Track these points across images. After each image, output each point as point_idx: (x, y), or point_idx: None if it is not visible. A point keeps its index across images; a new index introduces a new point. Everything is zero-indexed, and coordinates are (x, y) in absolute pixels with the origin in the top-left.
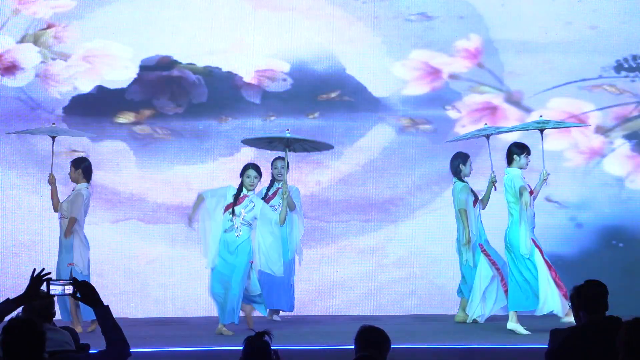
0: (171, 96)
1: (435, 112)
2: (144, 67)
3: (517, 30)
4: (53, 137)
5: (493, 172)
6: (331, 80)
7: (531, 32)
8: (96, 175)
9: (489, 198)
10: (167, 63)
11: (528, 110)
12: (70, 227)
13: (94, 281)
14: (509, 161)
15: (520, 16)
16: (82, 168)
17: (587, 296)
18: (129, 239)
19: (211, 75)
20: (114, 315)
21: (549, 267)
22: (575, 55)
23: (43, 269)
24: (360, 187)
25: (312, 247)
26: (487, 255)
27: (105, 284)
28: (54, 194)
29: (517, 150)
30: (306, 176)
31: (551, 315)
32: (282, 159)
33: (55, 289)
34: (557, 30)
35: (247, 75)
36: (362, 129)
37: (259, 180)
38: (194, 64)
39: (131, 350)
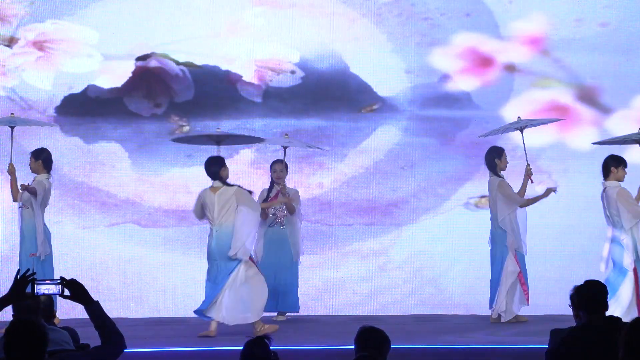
0: (147, 93)
1: (442, 112)
2: (111, 56)
3: (525, 28)
4: (12, 127)
5: (528, 164)
6: (334, 80)
7: (539, 30)
8: (91, 178)
9: (524, 192)
10: (143, 52)
11: (607, 111)
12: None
13: (88, 285)
14: (606, 174)
15: (527, 13)
16: (43, 159)
17: (587, 296)
18: (125, 243)
19: (201, 69)
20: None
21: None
22: (584, 53)
23: (28, 269)
24: (363, 190)
25: (313, 252)
26: (514, 253)
27: (101, 289)
28: (13, 184)
29: (614, 162)
30: (308, 178)
31: (551, 316)
32: (281, 161)
33: (41, 289)
34: (566, 28)
35: (246, 69)
36: (366, 129)
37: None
38: (178, 56)
39: (131, 350)
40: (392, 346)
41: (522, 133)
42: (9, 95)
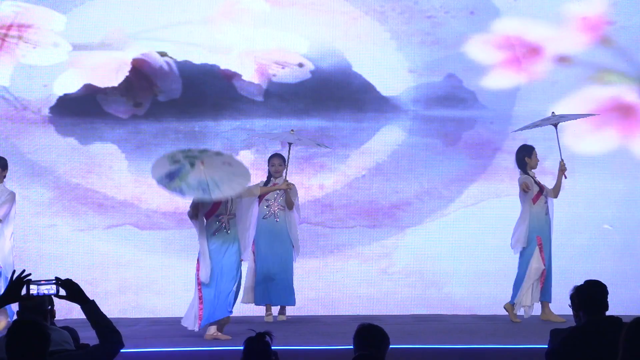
0: (125, 90)
1: (448, 112)
2: (82, 45)
3: (530, 27)
4: None
5: (562, 160)
6: (336, 79)
7: (545, 28)
8: (87, 179)
9: (560, 187)
10: (119, 40)
11: None
12: None
13: (85, 289)
14: None
15: (533, 12)
16: (2, 167)
17: (587, 296)
18: (123, 246)
19: (191, 61)
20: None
21: None
22: (592, 52)
23: (24, 271)
24: (365, 192)
25: (314, 254)
26: (540, 250)
27: (98, 292)
28: None
29: None
30: (309, 179)
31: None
32: (279, 155)
33: (36, 290)
34: (572, 26)
35: (244, 62)
36: (369, 130)
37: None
38: (162, 45)
39: (131, 350)
40: (392, 346)
41: (556, 128)
42: (2, 94)
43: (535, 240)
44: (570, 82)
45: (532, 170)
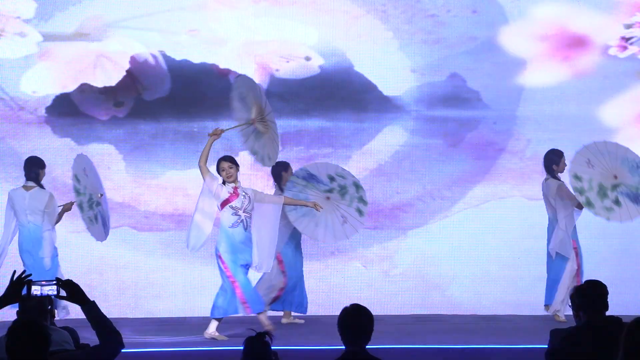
0: (104, 87)
1: (451, 112)
2: (53, 35)
3: (534, 27)
4: None
5: None
6: (337, 79)
7: (549, 28)
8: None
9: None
10: (97, 30)
11: None
12: None
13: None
14: None
15: (536, 11)
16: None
17: (587, 296)
18: (121, 248)
19: (180, 54)
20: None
21: None
22: (596, 51)
23: (24, 271)
24: (367, 193)
25: (315, 257)
26: (576, 254)
27: (96, 294)
28: None
29: None
30: None
31: (551, 316)
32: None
33: (37, 290)
34: (576, 25)
35: (242, 56)
36: (371, 130)
37: (237, 169)
38: (147, 36)
39: (131, 350)
40: (392, 346)
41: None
42: None
43: (571, 245)
44: (617, 79)
45: (560, 174)
